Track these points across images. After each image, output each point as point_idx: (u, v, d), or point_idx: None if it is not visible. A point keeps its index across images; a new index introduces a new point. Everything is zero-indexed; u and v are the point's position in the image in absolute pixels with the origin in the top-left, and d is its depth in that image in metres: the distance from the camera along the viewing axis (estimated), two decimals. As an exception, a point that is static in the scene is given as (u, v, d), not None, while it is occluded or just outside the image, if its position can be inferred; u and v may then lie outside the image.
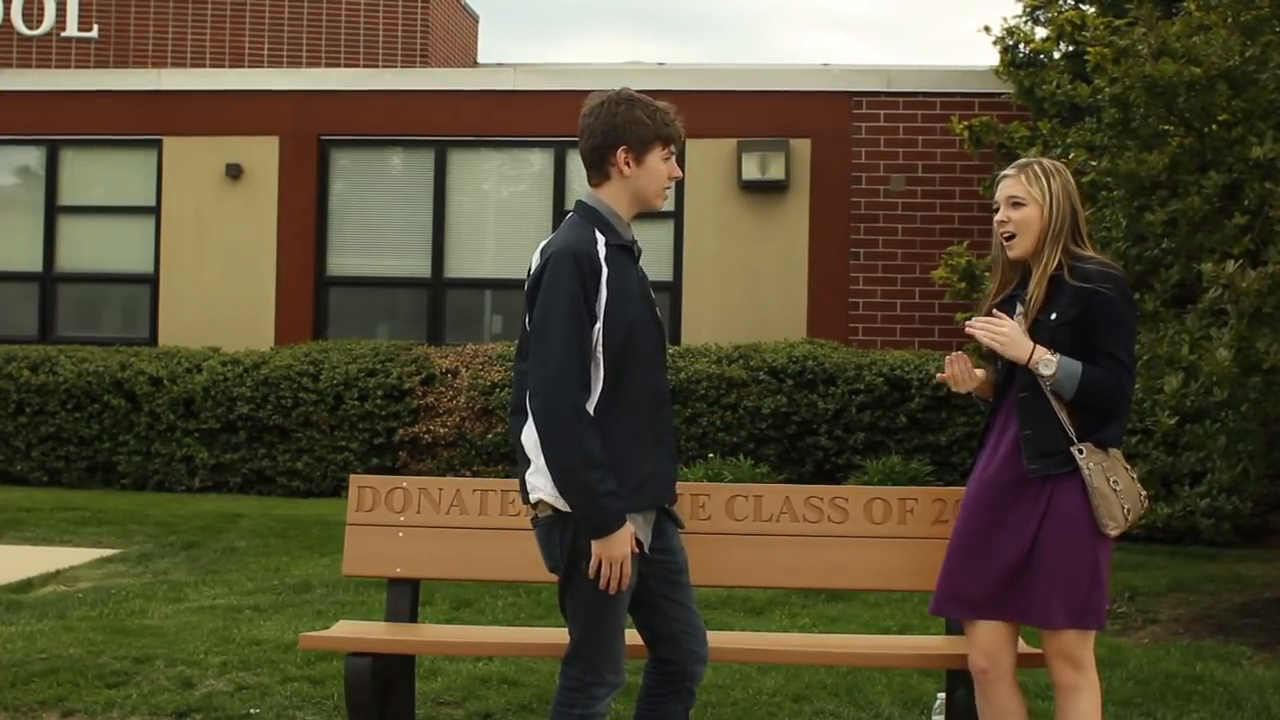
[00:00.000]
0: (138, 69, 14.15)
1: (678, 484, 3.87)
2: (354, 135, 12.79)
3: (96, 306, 13.24)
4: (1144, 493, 3.80)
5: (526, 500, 3.66)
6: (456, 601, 6.74)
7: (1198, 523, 8.49)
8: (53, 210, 13.03)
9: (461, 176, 12.73)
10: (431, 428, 10.99)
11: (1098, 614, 3.75)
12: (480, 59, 17.03)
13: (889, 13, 49.15)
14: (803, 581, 4.79)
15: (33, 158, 13.27)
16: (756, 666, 5.56)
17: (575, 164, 11.60)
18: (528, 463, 3.62)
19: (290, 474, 11.28)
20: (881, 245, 11.93)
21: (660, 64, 14.60)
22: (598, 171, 3.71)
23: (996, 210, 3.90)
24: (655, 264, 11.08)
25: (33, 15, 14.87)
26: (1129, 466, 3.79)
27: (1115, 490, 3.72)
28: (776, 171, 11.94)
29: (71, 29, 14.86)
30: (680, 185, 12.09)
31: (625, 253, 3.68)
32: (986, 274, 5.98)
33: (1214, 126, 6.66)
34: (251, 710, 5.08)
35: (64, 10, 14.88)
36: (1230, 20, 6.43)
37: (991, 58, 12.74)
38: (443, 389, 11.10)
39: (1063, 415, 3.73)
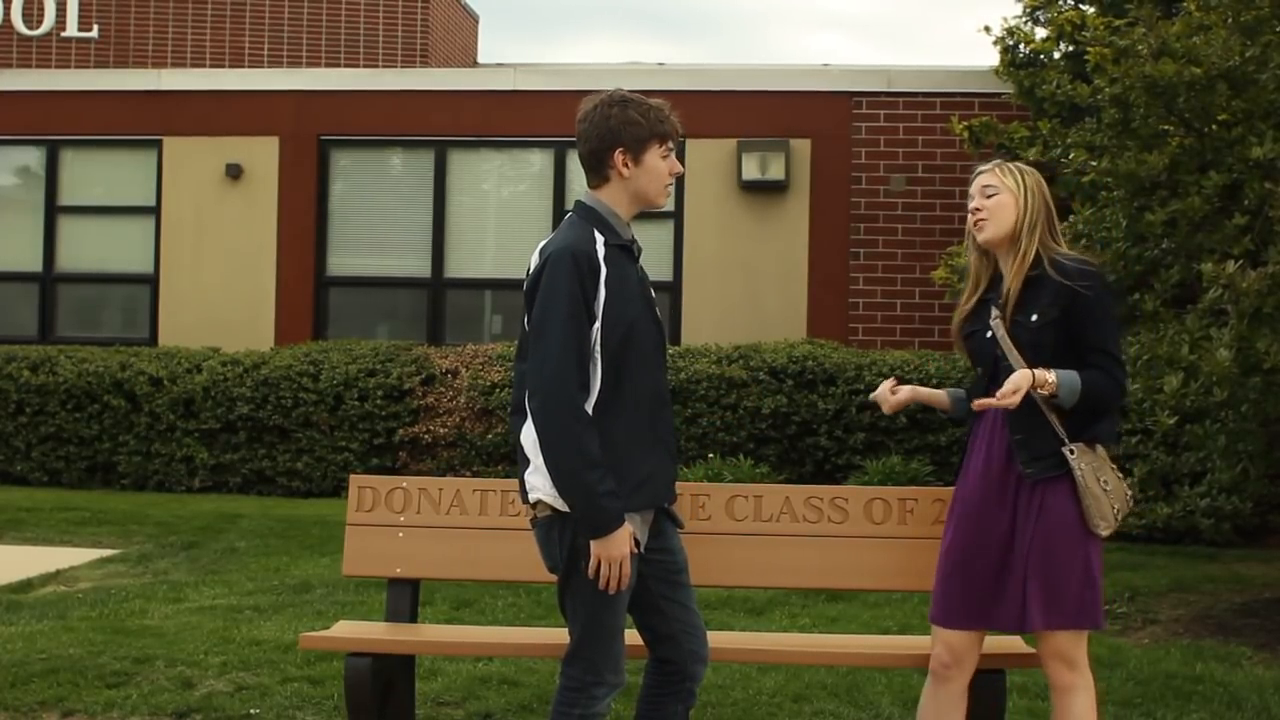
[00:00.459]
0: (138, 69, 14.15)
1: (678, 484, 3.86)
2: (354, 135, 12.79)
3: (96, 306, 13.24)
4: (1129, 492, 3.80)
5: (526, 500, 3.66)
6: (456, 601, 6.74)
7: (1198, 523, 8.50)
8: (53, 210, 13.03)
9: (461, 176, 12.73)
10: (431, 428, 10.99)
11: (1093, 614, 3.74)
12: (480, 59, 17.04)
13: (889, 13, 49.17)
14: (803, 581, 4.79)
15: (33, 158, 13.27)
16: (756, 666, 5.56)
17: (575, 164, 11.60)
18: (527, 463, 3.62)
19: (290, 474, 11.28)
20: (881, 245, 11.93)
21: (660, 64, 14.61)
22: (597, 175, 3.71)
23: (971, 201, 3.89)
24: (655, 264, 11.08)
25: (33, 15, 14.87)
26: (1114, 466, 3.78)
27: (1105, 490, 3.71)
28: (776, 171, 11.94)
29: (71, 29, 14.86)
30: (680, 185, 12.09)
31: (624, 252, 3.68)
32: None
33: (1214, 126, 6.66)
34: (251, 710, 5.08)
35: (64, 10, 14.88)
36: (1230, 20, 6.43)
37: (991, 58, 12.74)
38: (443, 389, 11.10)
39: (1052, 418, 3.72)
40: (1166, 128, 6.79)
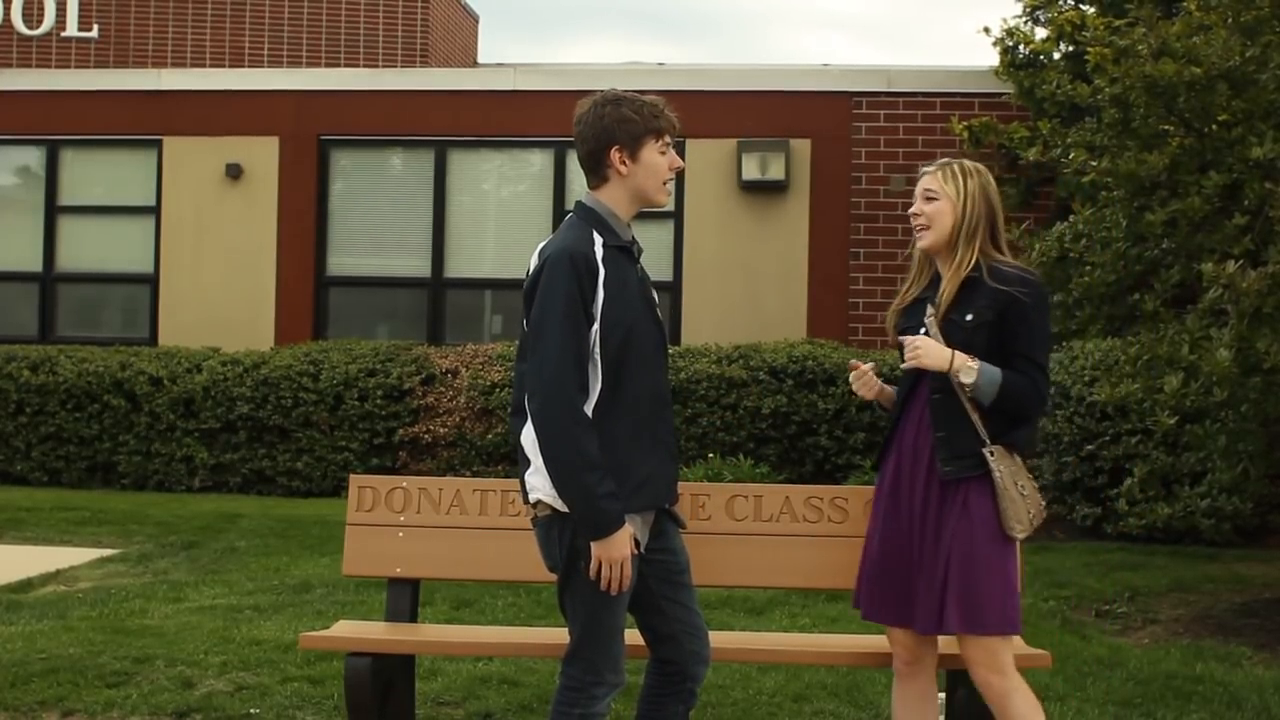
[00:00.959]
0: (138, 69, 14.15)
1: (678, 484, 3.86)
2: (354, 135, 12.79)
3: (96, 306, 13.24)
4: (1043, 502, 3.81)
5: (527, 500, 3.66)
6: (456, 601, 6.74)
7: (1198, 523, 8.50)
8: (53, 210, 13.03)
9: (461, 176, 12.73)
10: (431, 428, 10.99)
11: (1014, 619, 3.73)
12: (480, 59, 17.04)
13: (889, 13, 49.18)
14: (803, 581, 4.79)
15: (33, 158, 13.27)
16: (756, 666, 5.55)
17: (575, 164, 11.56)
18: (528, 463, 3.62)
19: (290, 474, 11.28)
20: (881, 245, 11.93)
21: (660, 64, 14.62)
22: (596, 175, 3.71)
23: (913, 204, 3.90)
24: (655, 264, 11.08)
25: (33, 15, 14.87)
26: (1030, 474, 3.79)
27: (1023, 495, 3.71)
28: (776, 171, 11.94)
29: (71, 29, 14.86)
30: (680, 185, 12.09)
31: (624, 253, 3.67)
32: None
33: (1214, 127, 6.66)
34: (251, 710, 5.08)
35: (64, 10, 14.88)
36: (1230, 20, 6.43)
37: (991, 58, 12.74)
38: (443, 389, 11.10)
39: (975, 417, 3.71)
40: (1166, 128, 6.79)
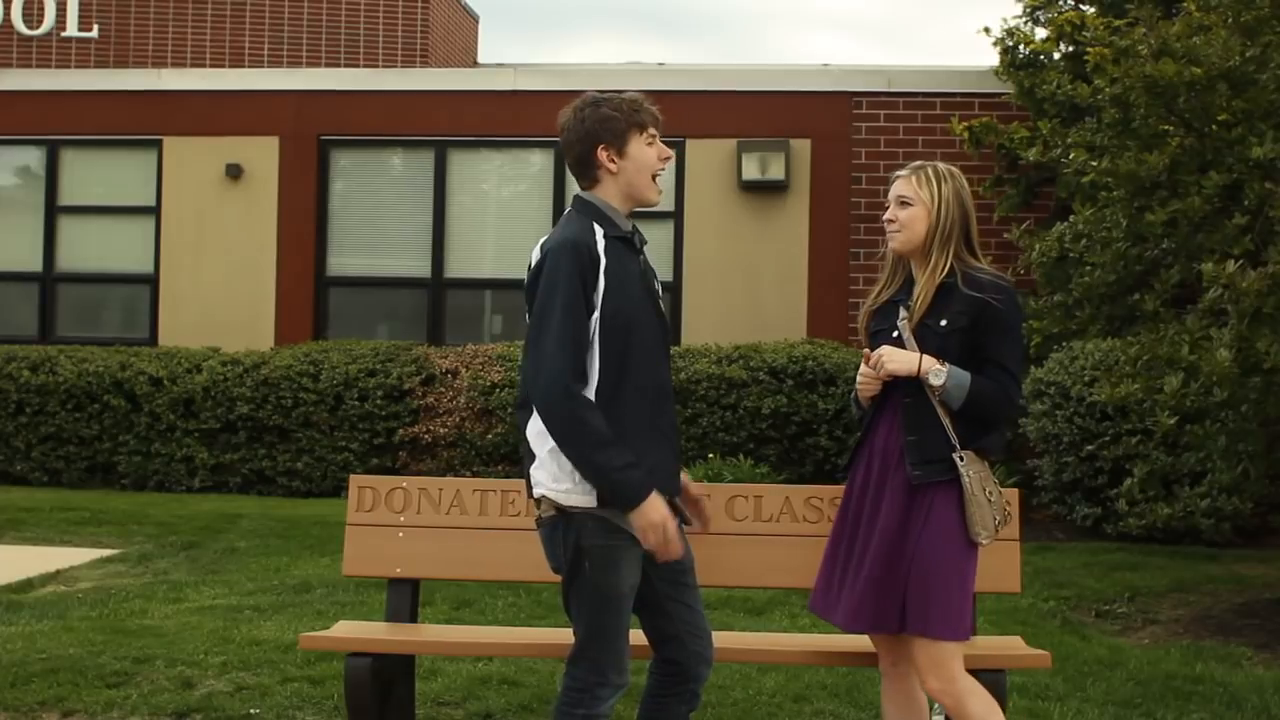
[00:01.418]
0: (138, 69, 14.14)
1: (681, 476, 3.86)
2: (354, 135, 12.79)
3: (96, 306, 13.24)
4: (1008, 507, 3.82)
5: (531, 496, 3.66)
6: (456, 601, 6.74)
7: (1198, 523, 8.50)
8: (53, 210, 13.03)
9: (461, 176, 12.73)
10: (431, 428, 10.99)
11: (967, 624, 3.74)
12: (480, 59, 17.03)
13: (889, 13, 49.17)
14: (803, 581, 4.76)
15: (33, 158, 13.27)
16: (756, 666, 5.55)
17: (575, 164, 11.60)
18: (532, 458, 3.62)
19: (290, 474, 11.28)
20: (881, 245, 11.91)
21: (660, 64, 14.61)
22: (586, 176, 3.72)
23: (887, 209, 3.90)
24: (655, 264, 11.06)
25: (33, 15, 14.87)
26: (996, 478, 3.79)
27: (990, 500, 3.71)
28: (776, 172, 11.94)
29: (71, 29, 14.86)
30: (680, 185, 12.10)
31: (626, 244, 3.69)
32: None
33: (1214, 127, 6.66)
34: (251, 710, 5.08)
35: (64, 10, 14.88)
36: (1230, 21, 6.43)
37: (991, 58, 12.75)
38: (443, 389, 11.10)
39: (946, 422, 3.71)
40: (1166, 128, 6.80)
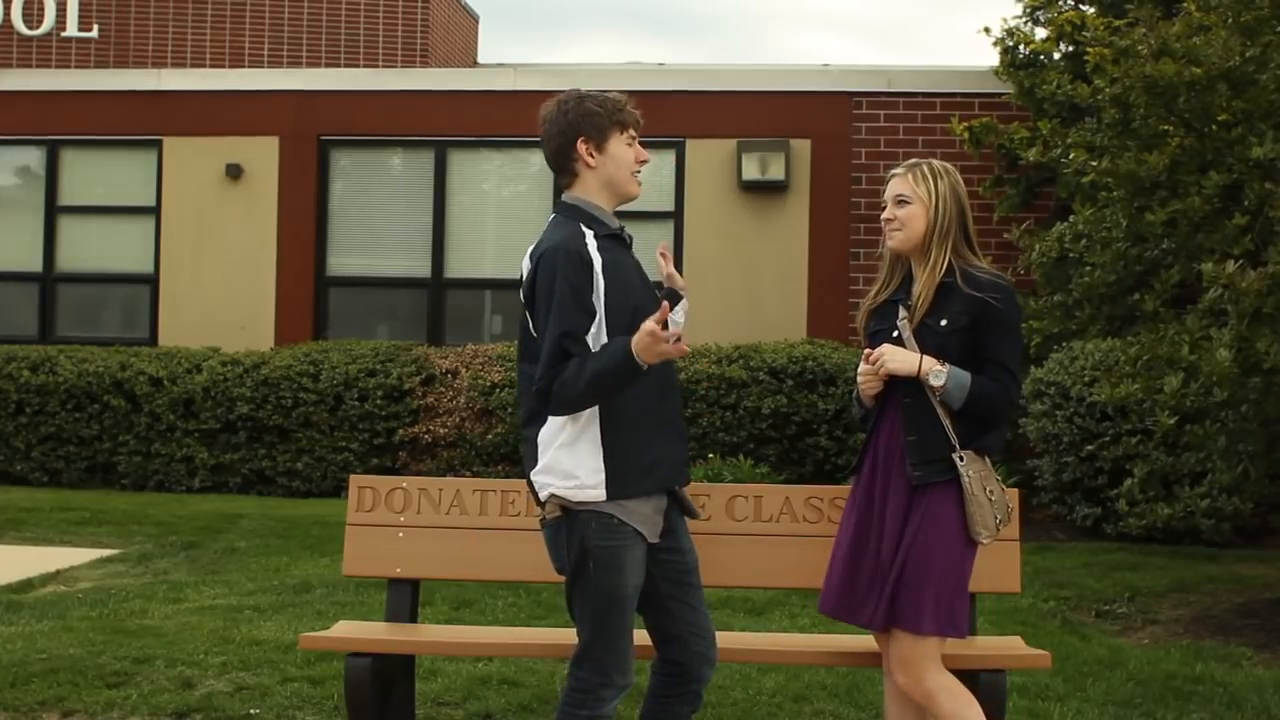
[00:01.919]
0: (138, 69, 14.14)
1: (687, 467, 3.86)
2: (354, 135, 12.78)
3: (96, 306, 13.24)
4: (1010, 505, 3.81)
5: (538, 501, 3.66)
6: (456, 601, 6.74)
7: (1198, 523, 8.50)
8: (53, 210, 13.03)
9: (461, 176, 12.73)
10: (431, 428, 10.99)
11: (958, 623, 3.73)
12: (480, 59, 17.03)
13: (888, 13, 49.17)
14: (803, 581, 4.78)
15: (33, 158, 13.27)
16: (756, 666, 5.55)
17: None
18: (534, 463, 3.62)
19: (290, 474, 11.28)
20: (881, 245, 11.91)
21: (660, 64, 14.60)
22: (565, 171, 3.75)
23: (884, 209, 3.90)
24: (655, 264, 11.07)
25: (33, 15, 14.87)
26: (999, 477, 3.79)
27: (990, 500, 3.71)
28: (776, 172, 11.93)
29: (71, 29, 14.86)
30: (680, 185, 12.10)
31: (616, 241, 3.70)
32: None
33: (1214, 127, 6.66)
34: (251, 710, 5.08)
35: (64, 10, 14.88)
36: (1230, 21, 6.43)
37: (991, 58, 12.76)
38: (443, 389, 11.10)
39: (946, 422, 3.71)
40: (1166, 128, 6.80)
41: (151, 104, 12.91)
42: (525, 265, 3.70)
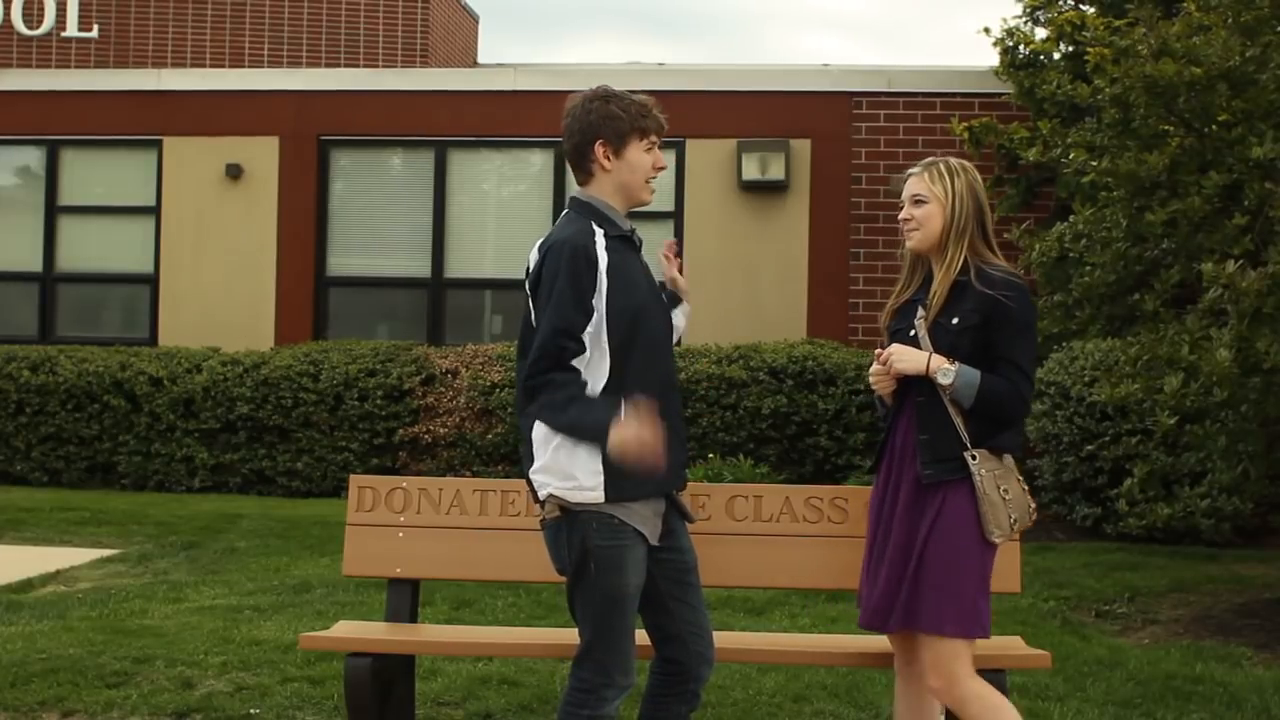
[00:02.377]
0: (138, 69, 14.15)
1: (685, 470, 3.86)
2: (354, 135, 12.79)
3: (96, 306, 13.24)
4: (1033, 505, 3.78)
5: (537, 499, 3.66)
6: (456, 601, 6.74)
7: (1198, 523, 8.50)
8: (53, 210, 13.03)
9: (461, 176, 12.73)
10: (431, 428, 10.99)
11: (983, 623, 3.71)
12: (480, 59, 17.03)
13: (888, 13, 49.18)
14: (803, 581, 4.79)
15: (33, 158, 13.27)
16: (756, 666, 5.55)
17: (575, 164, 11.59)
18: (531, 460, 3.62)
19: (290, 474, 11.28)
20: (881, 245, 11.93)
21: (660, 64, 14.61)
22: (581, 170, 3.74)
23: (901, 209, 3.90)
24: (655, 264, 11.07)
25: (33, 15, 14.87)
26: (1020, 477, 3.76)
27: (1005, 499, 3.68)
28: (776, 172, 11.94)
29: (71, 29, 14.86)
30: (680, 185, 12.10)
31: (626, 242, 3.69)
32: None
33: (1214, 127, 6.66)
34: (251, 710, 5.08)
35: (64, 10, 14.88)
36: (1230, 21, 6.43)
37: (991, 58, 12.74)
38: (443, 389, 11.10)
39: (958, 421, 3.70)
40: (1166, 128, 6.79)
41: (151, 104, 12.91)
42: (533, 257, 3.70)
